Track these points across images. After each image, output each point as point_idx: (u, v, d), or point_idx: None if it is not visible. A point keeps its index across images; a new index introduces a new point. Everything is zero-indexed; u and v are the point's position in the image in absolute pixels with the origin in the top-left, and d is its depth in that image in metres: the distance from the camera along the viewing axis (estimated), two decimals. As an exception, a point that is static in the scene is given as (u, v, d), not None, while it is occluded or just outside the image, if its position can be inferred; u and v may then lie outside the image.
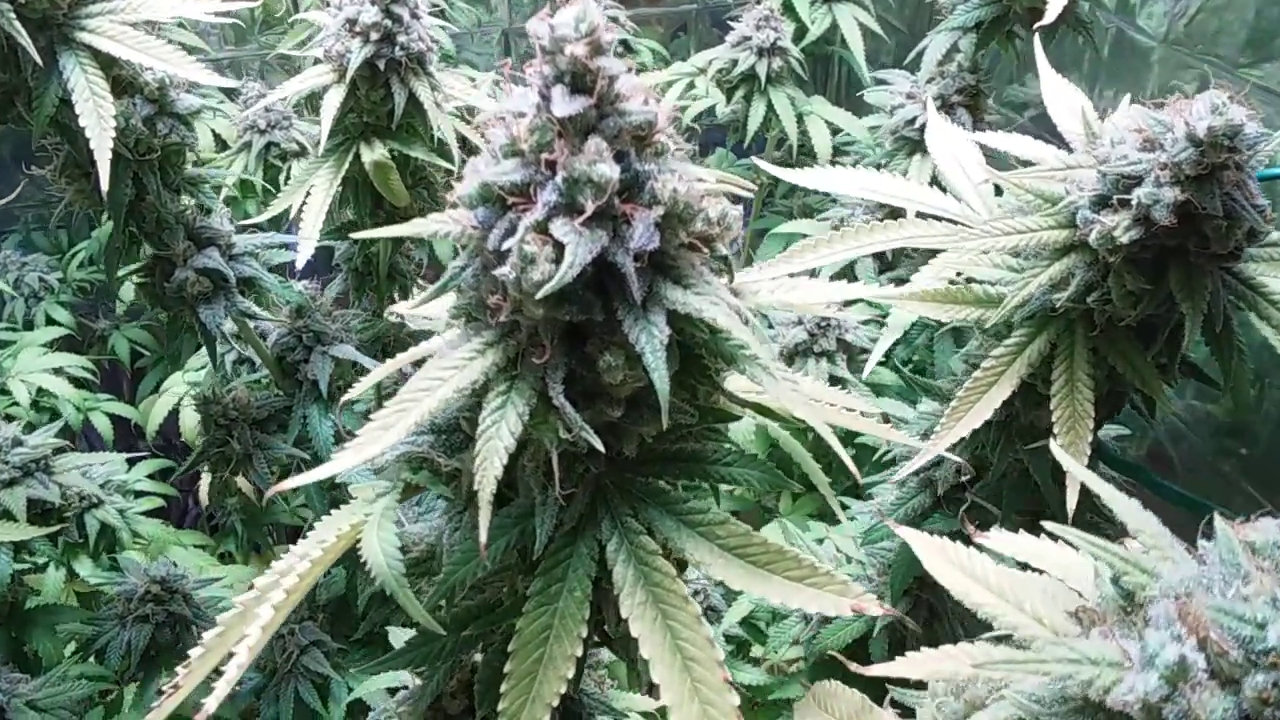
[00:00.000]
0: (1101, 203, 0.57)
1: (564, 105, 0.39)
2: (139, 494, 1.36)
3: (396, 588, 0.43)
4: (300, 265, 0.91)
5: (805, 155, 1.58)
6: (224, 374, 1.01)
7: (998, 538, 0.45)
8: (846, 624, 0.95)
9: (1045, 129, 0.75)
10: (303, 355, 0.97)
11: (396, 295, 1.14)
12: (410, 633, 0.81)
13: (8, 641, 1.03)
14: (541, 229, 0.39)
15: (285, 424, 0.98)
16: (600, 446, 0.40)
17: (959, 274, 0.67)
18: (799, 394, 0.42)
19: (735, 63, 1.48)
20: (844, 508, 0.82)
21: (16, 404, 1.35)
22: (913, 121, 1.09)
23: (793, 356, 1.19)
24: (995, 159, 0.76)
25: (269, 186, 1.48)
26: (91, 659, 1.10)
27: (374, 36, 0.89)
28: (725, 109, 1.60)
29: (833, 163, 1.54)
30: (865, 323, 1.22)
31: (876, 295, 0.57)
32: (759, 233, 1.75)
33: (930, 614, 0.93)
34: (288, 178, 1.46)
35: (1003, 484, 0.76)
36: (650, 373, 0.39)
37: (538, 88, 0.40)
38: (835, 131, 1.56)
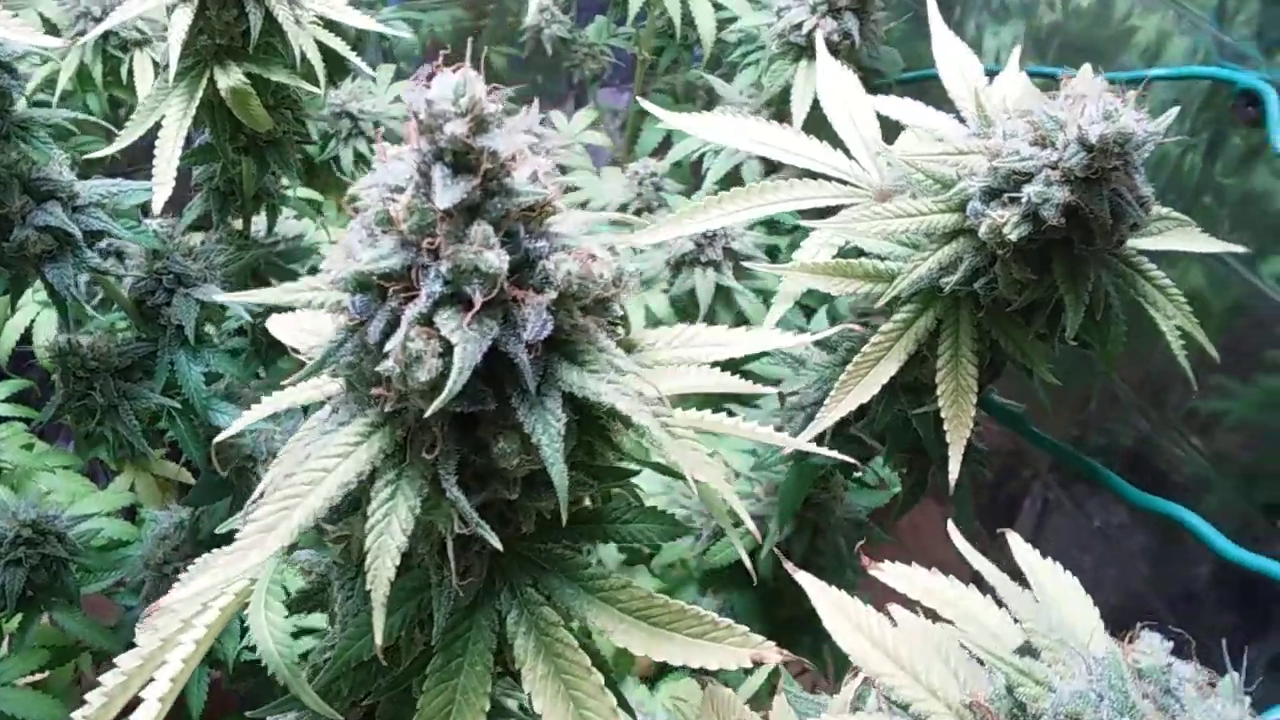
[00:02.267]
0: (991, 194, 0.56)
1: (446, 194, 0.35)
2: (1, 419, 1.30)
3: (290, 677, 0.42)
4: (157, 209, 0.84)
5: (688, 27, 1.51)
6: (78, 318, 0.94)
7: (893, 573, 0.46)
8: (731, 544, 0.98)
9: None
10: (164, 299, 0.91)
11: (264, 214, 1.08)
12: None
13: None
14: (426, 321, 0.37)
15: (151, 370, 0.93)
16: (497, 542, 0.38)
17: (847, 242, 0.67)
18: (697, 455, 0.41)
19: (613, -60, 1.39)
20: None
21: None
22: (799, 26, 1.05)
23: (679, 266, 1.18)
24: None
25: (110, 79, 1.36)
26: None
27: (217, -47, 0.80)
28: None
29: (717, 43, 1.49)
30: (751, 228, 1.22)
31: (772, 317, 0.56)
32: (642, 113, 1.69)
33: (814, 532, 0.97)
34: (130, 71, 1.34)
35: (887, 427, 0.78)
36: (547, 465, 0.37)
37: (415, 162, 0.37)
38: (719, 8, 1.50)
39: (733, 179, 1.23)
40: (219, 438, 0.51)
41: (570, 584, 0.42)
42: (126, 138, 0.88)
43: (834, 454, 0.51)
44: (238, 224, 1.09)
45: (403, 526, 0.38)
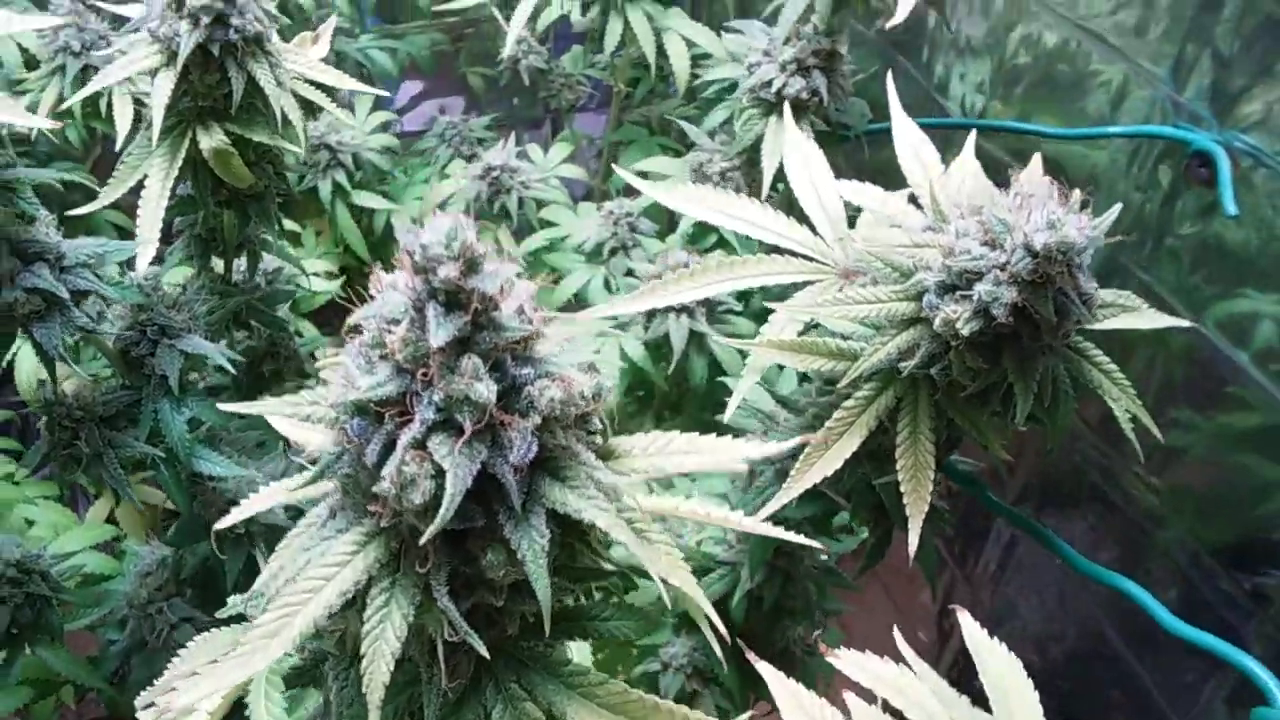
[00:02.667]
0: (945, 289, 0.60)
1: (439, 332, 0.38)
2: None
3: (290, 773, 0.45)
4: (142, 269, 0.86)
5: (664, 59, 1.54)
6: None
7: (848, 659, 0.49)
8: (709, 585, 1.02)
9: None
10: (148, 349, 0.93)
11: (245, 260, 1.10)
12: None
13: None
14: (419, 445, 0.40)
15: (135, 419, 0.95)
16: (484, 649, 0.42)
17: (810, 320, 0.70)
18: (670, 560, 0.45)
19: (589, -20, 1.42)
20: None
21: None
22: (769, 84, 1.09)
23: (653, 312, 1.21)
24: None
25: (89, 110, 1.37)
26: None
27: (205, 20, 0.83)
28: (582, 19, 1.55)
29: (691, 78, 1.53)
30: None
31: (738, 425, 0.59)
32: (618, 144, 1.72)
33: (785, 578, 1.00)
34: (109, 103, 1.35)
35: (852, 488, 0.81)
36: (531, 579, 0.40)
37: (410, 298, 0.40)
38: (692, 46, 1.53)
39: (703, 228, 1.26)
40: (219, 523, 0.54)
41: (551, 680, 0.46)
42: (108, 196, 0.90)
43: (795, 537, 0.54)
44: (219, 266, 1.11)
45: (397, 634, 0.41)
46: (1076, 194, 0.60)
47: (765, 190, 1.09)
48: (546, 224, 1.52)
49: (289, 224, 1.50)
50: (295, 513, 1.05)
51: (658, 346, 1.23)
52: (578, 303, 1.42)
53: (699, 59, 1.54)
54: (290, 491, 0.46)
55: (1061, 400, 0.66)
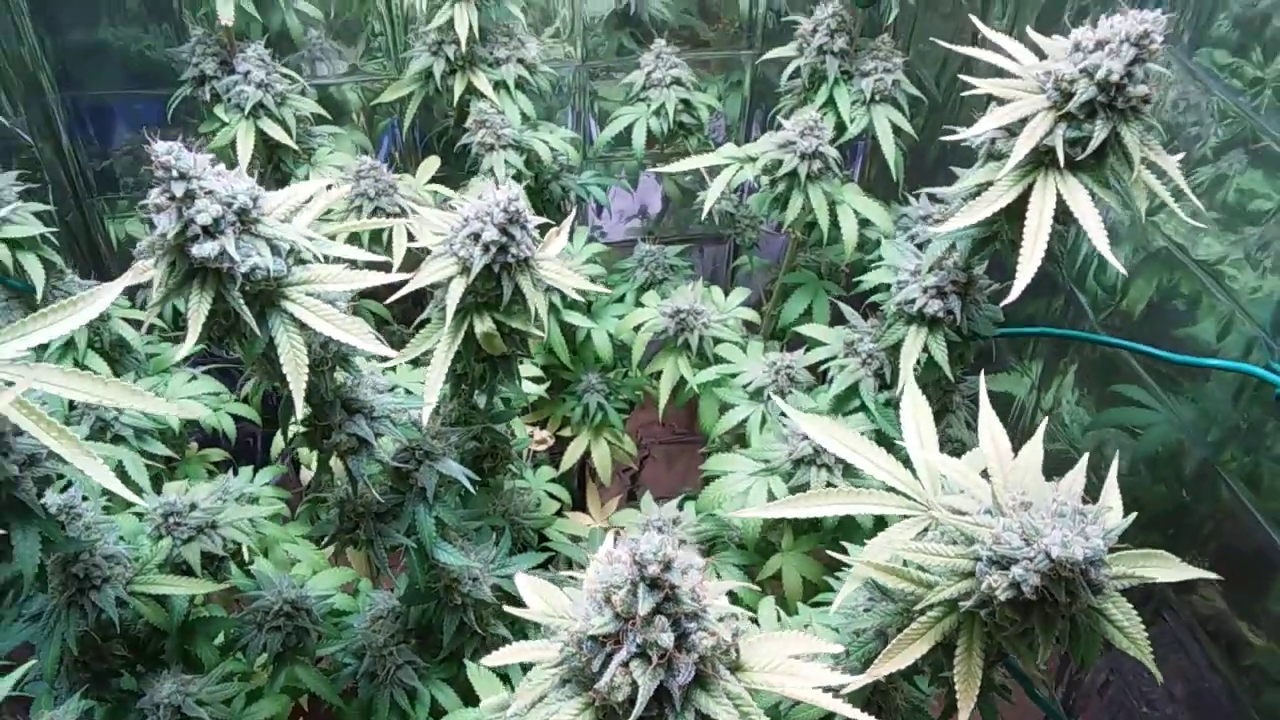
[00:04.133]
0: (992, 562, 0.84)
1: (644, 604, 0.66)
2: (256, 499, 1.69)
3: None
4: (425, 422, 1.19)
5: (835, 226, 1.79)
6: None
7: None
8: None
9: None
10: (414, 467, 1.26)
11: (486, 396, 1.42)
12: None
13: (179, 649, 1.36)
14: (624, 665, 0.68)
15: (398, 516, 1.28)
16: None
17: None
18: (767, 745, 0.71)
19: (780, 163, 1.69)
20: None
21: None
22: (913, 302, 1.33)
23: (798, 463, 1.47)
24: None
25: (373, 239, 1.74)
26: (237, 655, 1.45)
27: (493, 250, 1.14)
28: (765, 192, 1.82)
29: (860, 246, 1.78)
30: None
31: (830, 650, 0.84)
32: (785, 289, 1.99)
33: (877, 713, 1.24)
34: (389, 238, 1.71)
35: (930, 664, 1.05)
36: (681, 752, 0.68)
37: (628, 576, 0.68)
38: (864, 223, 1.79)
39: (848, 395, 1.51)
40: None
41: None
42: (407, 355, 1.23)
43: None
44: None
45: (598, 772, 0.69)
46: (1096, 507, 0.83)
47: (902, 385, 1.34)
48: (720, 359, 1.79)
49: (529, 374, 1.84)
50: (500, 594, 1.36)
51: (801, 488, 1.48)
52: (736, 438, 1.70)
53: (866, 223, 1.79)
54: (539, 660, 0.75)
55: (1086, 643, 0.89)
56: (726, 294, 2.03)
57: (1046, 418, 0.97)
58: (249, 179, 0.94)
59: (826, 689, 0.71)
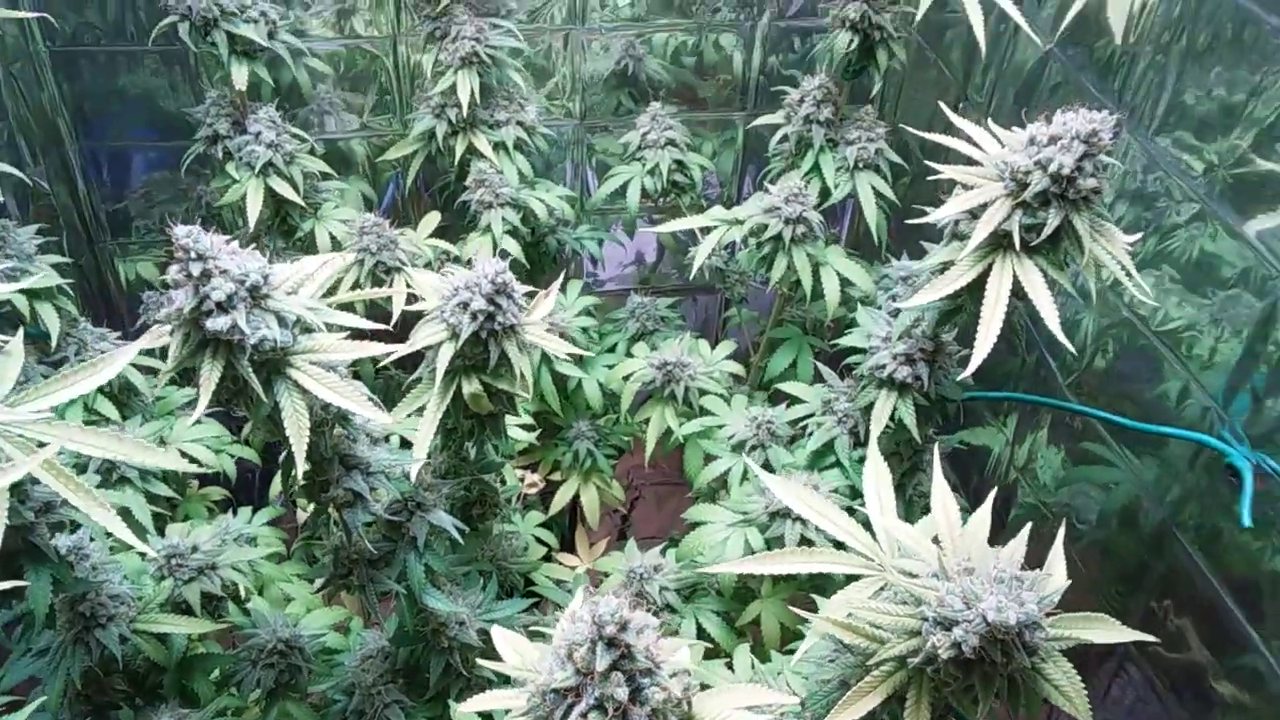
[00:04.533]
0: (937, 623, 0.91)
1: (602, 660, 0.73)
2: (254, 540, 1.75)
3: None
4: (414, 477, 1.26)
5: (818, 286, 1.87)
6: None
7: None
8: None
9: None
10: (406, 518, 1.33)
11: (475, 449, 1.49)
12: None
13: (176, 684, 1.42)
14: (584, 715, 0.74)
15: (390, 563, 1.34)
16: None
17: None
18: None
19: (766, 226, 1.77)
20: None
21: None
22: (883, 367, 1.41)
23: (773, 517, 1.53)
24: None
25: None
26: (232, 691, 1.51)
27: (480, 318, 1.22)
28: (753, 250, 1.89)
29: (844, 303, 1.85)
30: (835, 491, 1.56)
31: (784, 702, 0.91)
32: (773, 342, 2.06)
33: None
34: (390, 284, 1.79)
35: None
36: (636, 798, 0.74)
37: (588, 634, 0.75)
38: (847, 282, 1.86)
39: (822, 453, 1.59)
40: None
41: None
42: (397, 415, 1.30)
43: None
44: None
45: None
46: (1036, 574, 0.90)
47: (870, 461, 1.41)
48: (705, 411, 1.86)
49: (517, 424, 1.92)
50: (484, 636, 1.42)
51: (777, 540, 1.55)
52: (721, 484, 1.77)
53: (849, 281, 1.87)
54: (511, 708, 0.82)
55: (1026, 699, 0.95)
56: (714, 346, 2.10)
57: (991, 495, 1.04)
58: (260, 258, 1.02)
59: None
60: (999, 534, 1.10)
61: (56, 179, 2.25)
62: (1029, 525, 1.00)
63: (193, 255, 0.97)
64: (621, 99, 2.31)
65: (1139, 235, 1.41)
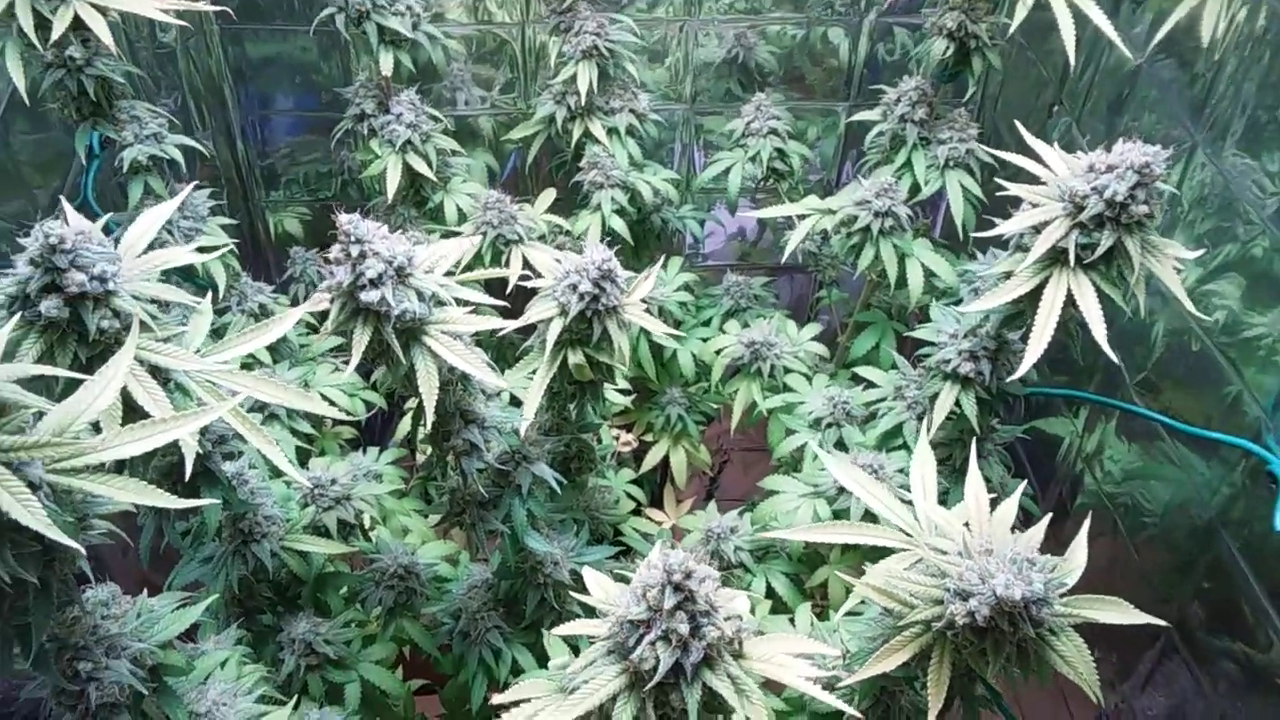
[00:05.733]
0: (956, 594, 1.05)
1: (668, 601, 0.91)
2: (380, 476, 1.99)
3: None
4: (524, 431, 1.46)
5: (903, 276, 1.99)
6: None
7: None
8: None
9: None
10: (512, 467, 1.53)
11: (577, 411, 1.68)
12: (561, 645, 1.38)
13: (312, 596, 1.66)
14: (651, 645, 0.92)
15: (498, 506, 1.54)
16: (663, 735, 0.94)
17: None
18: (759, 710, 0.95)
19: (856, 218, 1.90)
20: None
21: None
22: (949, 362, 1.54)
23: (840, 490, 1.68)
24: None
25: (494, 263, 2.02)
26: (357, 606, 1.75)
27: (586, 299, 1.39)
28: (843, 239, 2.02)
29: (929, 291, 1.97)
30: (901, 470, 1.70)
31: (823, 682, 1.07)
32: (858, 325, 2.19)
33: (885, 711, 1.46)
34: (508, 259, 1.99)
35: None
36: (690, 714, 0.92)
37: (660, 580, 0.92)
38: (930, 274, 1.98)
39: (891, 434, 1.73)
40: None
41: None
42: (511, 379, 1.49)
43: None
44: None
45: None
46: (1047, 559, 1.04)
47: (933, 431, 1.55)
48: (788, 388, 2.02)
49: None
50: (575, 576, 1.61)
51: (844, 513, 1.70)
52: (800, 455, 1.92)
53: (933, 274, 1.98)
54: (594, 634, 1.00)
55: (1036, 664, 1.10)
56: (804, 324, 2.25)
57: (1020, 488, 1.17)
58: (405, 242, 1.21)
59: (812, 680, 0.95)
60: (1062, 521, 1.21)
61: (219, 139, 2.51)
62: (1048, 517, 1.14)
63: (352, 239, 1.17)
64: (730, 86, 2.45)
65: (1201, 251, 1.51)
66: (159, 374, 1.12)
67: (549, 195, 2.19)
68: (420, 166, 1.99)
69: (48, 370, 0.96)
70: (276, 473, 1.69)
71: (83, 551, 0.86)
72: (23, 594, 0.92)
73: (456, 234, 2.07)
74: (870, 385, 1.84)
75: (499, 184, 2.54)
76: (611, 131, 2.10)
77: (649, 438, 2.30)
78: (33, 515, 0.80)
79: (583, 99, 2.01)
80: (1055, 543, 1.15)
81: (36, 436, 0.85)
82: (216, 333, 1.98)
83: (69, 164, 1.93)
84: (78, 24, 1.54)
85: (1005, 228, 1.34)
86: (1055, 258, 1.32)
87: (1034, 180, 1.36)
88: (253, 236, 2.70)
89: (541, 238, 2.07)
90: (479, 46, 2.46)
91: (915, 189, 1.99)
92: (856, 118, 2.08)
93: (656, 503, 2.36)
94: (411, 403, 1.69)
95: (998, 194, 1.43)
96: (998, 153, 1.46)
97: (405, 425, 1.99)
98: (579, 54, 1.99)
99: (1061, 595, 1.08)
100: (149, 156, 1.72)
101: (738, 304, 2.28)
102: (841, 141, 2.60)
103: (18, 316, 1.02)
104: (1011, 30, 1.74)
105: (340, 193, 2.61)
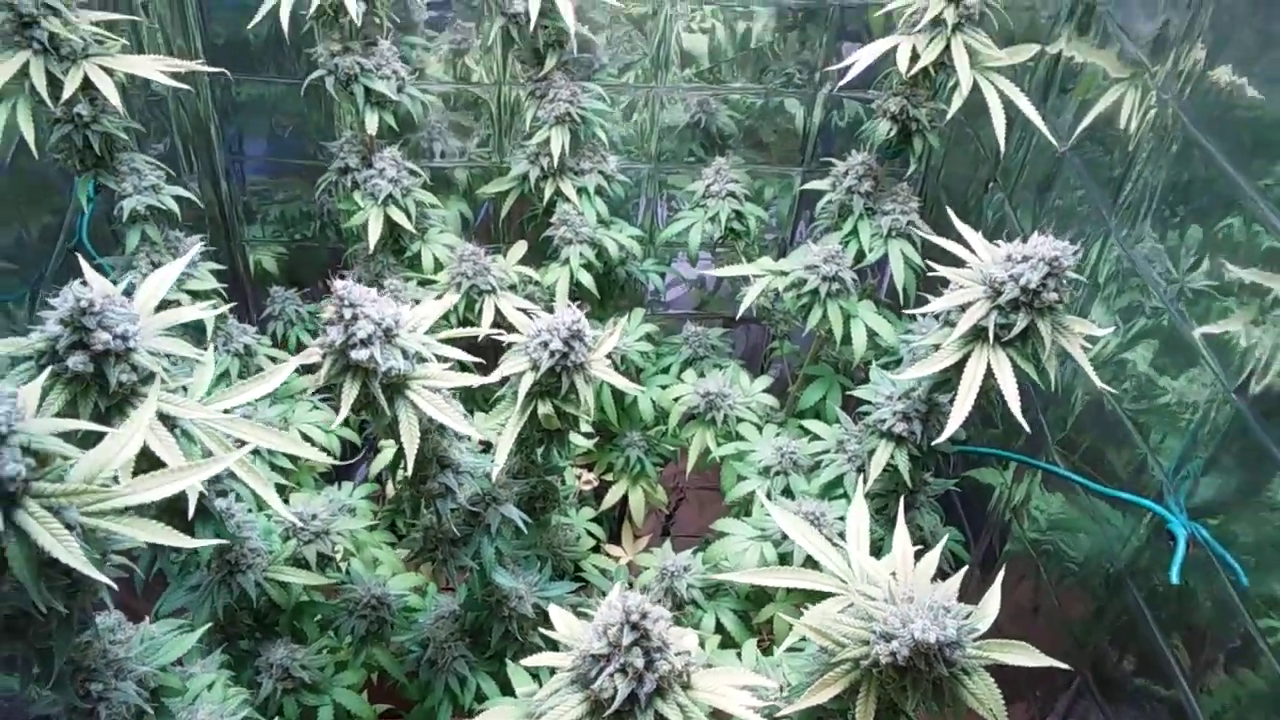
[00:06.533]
0: (881, 636, 1.19)
1: (627, 638, 1.04)
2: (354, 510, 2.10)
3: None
4: (495, 477, 1.58)
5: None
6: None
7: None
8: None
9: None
10: (483, 508, 1.65)
11: (543, 454, 1.81)
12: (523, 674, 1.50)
13: (289, 624, 1.77)
14: (610, 677, 1.05)
15: (468, 544, 1.66)
16: (618, 759, 1.06)
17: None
18: (701, 741, 1.08)
19: (805, 281, 2.05)
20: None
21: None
22: (884, 421, 1.69)
23: (784, 535, 1.82)
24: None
25: (468, 313, 2.14)
26: (330, 633, 1.85)
27: (556, 356, 1.53)
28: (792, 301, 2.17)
29: (869, 349, 2.13)
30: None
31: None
32: (808, 377, 2.35)
33: (816, 738, 1.59)
34: (480, 308, 2.11)
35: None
36: (641, 737, 1.05)
37: (620, 619, 1.05)
38: (873, 334, 2.14)
39: (832, 485, 1.87)
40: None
41: (642, 776, 1.09)
42: (482, 427, 1.62)
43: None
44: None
45: (586, 743, 1.06)
46: (962, 607, 1.18)
47: (869, 484, 1.69)
48: (740, 436, 2.16)
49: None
50: (538, 610, 1.73)
51: (788, 556, 1.84)
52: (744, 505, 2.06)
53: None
54: (559, 665, 1.13)
55: (952, 701, 1.24)
56: (758, 373, 2.40)
57: (940, 546, 1.31)
58: (393, 304, 1.33)
59: (754, 709, 1.08)
60: (992, 566, 1.33)
61: (204, 180, 2.62)
62: (964, 569, 1.28)
63: (346, 303, 1.29)
64: (693, 147, 2.60)
65: (1110, 330, 1.68)
66: (168, 421, 1.23)
67: (520, 248, 2.32)
68: (400, 219, 2.11)
69: (74, 425, 1.08)
70: (260, 505, 1.80)
71: (112, 585, 0.97)
72: (47, 621, 1.03)
73: (433, 281, 2.20)
74: (815, 438, 1.99)
75: (472, 231, 2.67)
76: (581, 191, 2.24)
77: (609, 477, 2.42)
78: (71, 554, 0.92)
79: (555, 160, 2.16)
80: (985, 586, 1.29)
81: (73, 484, 0.96)
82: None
83: (57, 198, 2.04)
84: (86, 84, 1.66)
85: (934, 306, 1.49)
86: (977, 334, 1.48)
87: (960, 263, 1.52)
88: (233, 274, 2.80)
89: (513, 288, 2.20)
90: (457, 100, 2.60)
91: (860, 255, 2.16)
92: (808, 186, 2.24)
93: (615, 539, 2.49)
94: (385, 440, 1.82)
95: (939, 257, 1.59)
96: (931, 236, 1.62)
97: (380, 460, 2.11)
98: (553, 119, 2.14)
99: (975, 639, 1.23)
100: (147, 206, 1.83)
101: (696, 353, 2.42)
102: (796, 202, 2.77)
103: (48, 370, 1.13)
104: (949, 116, 1.91)
105: (319, 234, 2.73)
